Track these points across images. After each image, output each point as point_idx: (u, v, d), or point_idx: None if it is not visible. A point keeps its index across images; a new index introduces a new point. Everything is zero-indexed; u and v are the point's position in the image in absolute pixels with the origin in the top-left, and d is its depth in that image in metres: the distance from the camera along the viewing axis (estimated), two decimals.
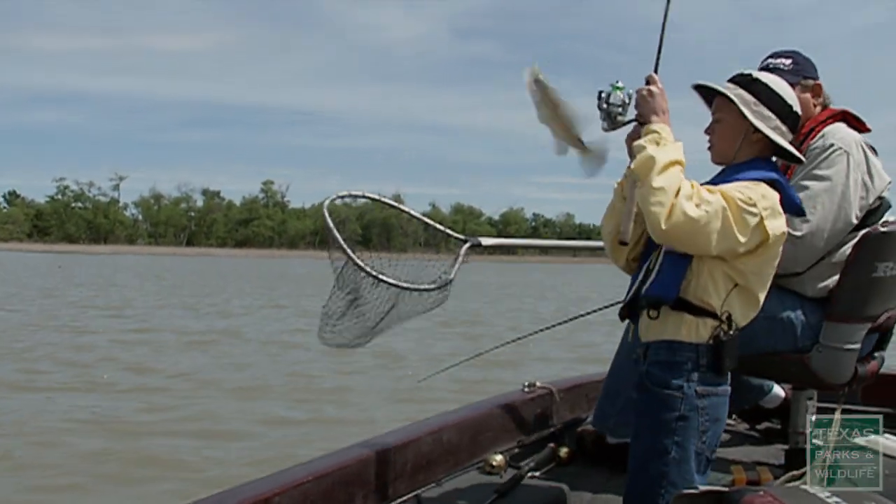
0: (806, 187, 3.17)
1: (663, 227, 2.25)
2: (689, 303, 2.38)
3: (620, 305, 2.59)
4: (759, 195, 2.33)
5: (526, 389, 4.12)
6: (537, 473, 3.47)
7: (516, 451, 3.73)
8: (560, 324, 4.55)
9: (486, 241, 3.58)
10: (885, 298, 3.35)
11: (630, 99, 2.45)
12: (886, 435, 3.73)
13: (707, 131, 2.60)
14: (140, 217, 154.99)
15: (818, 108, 3.47)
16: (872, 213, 3.31)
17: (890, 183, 3.37)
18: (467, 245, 3.44)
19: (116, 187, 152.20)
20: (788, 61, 3.46)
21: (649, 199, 2.26)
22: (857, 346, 3.28)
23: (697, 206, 2.25)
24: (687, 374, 2.39)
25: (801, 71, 3.44)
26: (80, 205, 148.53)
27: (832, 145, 3.26)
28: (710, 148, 2.59)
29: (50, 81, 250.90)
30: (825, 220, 3.17)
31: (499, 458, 3.43)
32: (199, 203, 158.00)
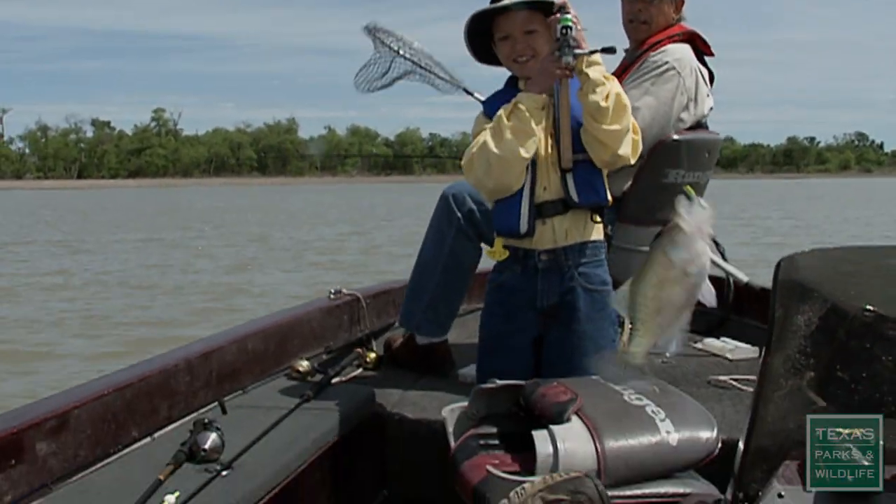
0: (632, 96, 3.14)
1: (632, 161, 2.53)
2: (601, 205, 2.60)
3: (518, 216, 2.56)
4: None
5: (332, 296, 4.05)
6: (345, 378, 3.49)
7: (324, 357, 3.73)
8: None
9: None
10: (674, 204, 3.49)
11: None
12: (723, 339, 4.07)
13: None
14: (27, 151, 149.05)
15: (675, 22, 3.55)
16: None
17: (711, 109, 3.54)
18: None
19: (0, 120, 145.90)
20: None
21: (618, 138, 2.44)
22: (646, 248, 3.09)
23: (637, 131, 2.53)
24: (606, 270, 2.66)
25: None
26: None
27: (667, 63, 3.36)
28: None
29: None
30: (643, 132, 3.09)
31: (305, 363, 3.41)
32: (89, 134, 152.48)
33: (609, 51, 2.49)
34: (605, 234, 2.70)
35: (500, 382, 2.25)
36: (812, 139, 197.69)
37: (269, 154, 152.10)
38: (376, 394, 3.26)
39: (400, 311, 3.76)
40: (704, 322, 4.56)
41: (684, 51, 3.45)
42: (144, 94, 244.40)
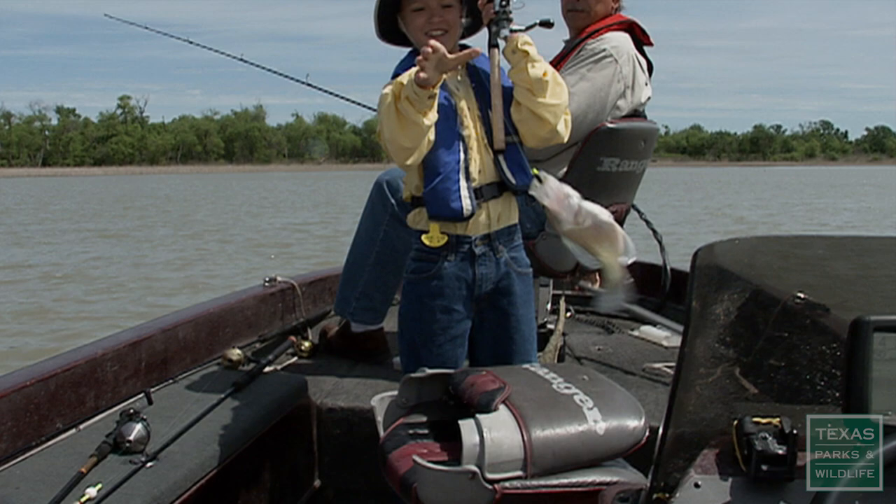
0: (568, 82, 3.07)
1: (565, 139, 2.51)
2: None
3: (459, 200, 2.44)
4: None
5: (267, 284, 4.03)
6: (278, 367, 3.47)
7: (257, 346, 3.69)
8: None
9: None
10: (610, 192, 3.38)
11: None
12: (659, 326, 4.20)
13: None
14: None
15: (614, 11, 3.54)
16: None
17: (649, 98, 3.52)
18: None
19: None
20: None
21: (557, 113, 2.43)
22: None
23: (568, 116, 2.51)
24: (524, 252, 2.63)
25: None
26: None
27: (604, 50, 3.34)
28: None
29: None
30: (575, 118, 3.08)
31: (237, 352, 3.37)
32: (54, 122, 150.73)
33: (546, 24, 2.48)
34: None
35: (429, 371, 2.22)
36: (778, 127, 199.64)
37: (237, 141, 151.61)
38: (309, 382, 3.24)
39: (336, 296, 3.71)
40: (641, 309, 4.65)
41: (622, 39, 3.43)
42: (110, 82, 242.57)
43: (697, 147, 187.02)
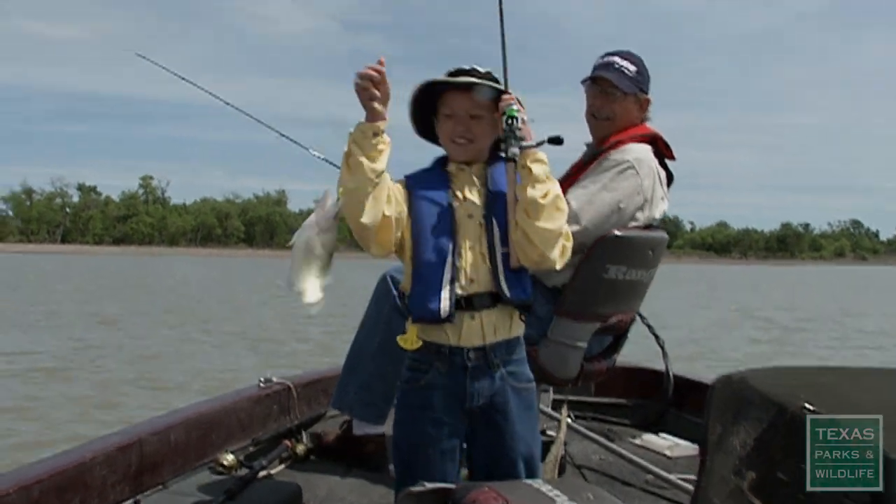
0: (590, 191, 3.28)
1: (558, 266, 2.43)
2: (528, 302, 2.47)
3: (441, 301, 2.39)
4: None
5: (262, 385, 3.99)
6: (272, 472, 3.43)
7: (251, 449, 3.62)
8: None
9: None
10: (615, 300, 3.39)
11: None
12: (662, 434, 4.23)
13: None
14: (10, 213, 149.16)
15: (639, 121, 3.54)
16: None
17: (660, 216, 3.49)
18: None
19: None
20: (634, 69, 3.50)
21: (549, 239, 2.37)
22: (584, 344, 3.31)
23: (569, 237, 2.45)
24: (528, 366, 2.54)
25: (641, 83, 3.51)
26: None
27: (627, 161, 3.33)
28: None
29: None
30: (595, 227, 3.23)
31: (230, 457, 3.33)
32: (75, 199, 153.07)
33: (556, 141, 2.44)
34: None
35: (428, 485, 2.15)
36: (807, 225, 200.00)
37: (257, 225, 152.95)
38: (304, 490, 3.18)
39: (335, 389, 3.65)
40: (642, 415, 4.67)
41: (644, 151, 3.42)
42: (133, 160, 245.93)
43: (723, 244, 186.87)
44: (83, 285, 34.69)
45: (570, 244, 2.46)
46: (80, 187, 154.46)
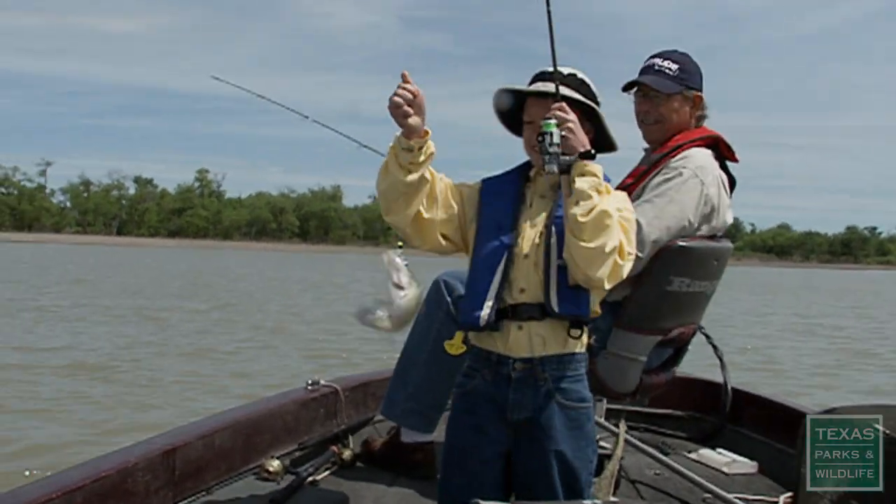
0: (657, 205, 3.15)
1: (607, 286, 2.31)
2: (582, 318, 2.41)
3: (480, 312, 2.40)
4: None
5: (309, 387, 3.92)
6: (318, 478, 3.38)
7: (297, 454, 3.58)
8: None
9: None
10: (678, 313, 3.31)
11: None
12: (719, 450, 4.13)
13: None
14: (68, 205, 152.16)
15: (694, 121, 3.44)
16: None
17: (727, 224, 3.38)
18: None
19: (43, 173, 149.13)
20: (676, 67, 3.40)
21: (591, 259, 2.25)
22: (644, 357, 3.24)
23: (629, 255, 2.33)
24: (586, 385, 2.46)
25: (686, 80, 3.40)
26: (2, 190, 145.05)
27: (688, 169, 3.21)
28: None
29: None
30: (661, 239, 3.12)
31: (276, 463, 3.30)
32: (132, 191, 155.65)
33: (587, 156, 2.31)
34: (589, 345, 2.50)
35: None
36: (873, 229, 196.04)
37: (312, 220, 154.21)
38: (349, 498, 3.16)
39: (384, 396, 3.62)
40: (698, 429, 4.58)
41: (707, 158, 3.32)
42: (189, 154, 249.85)
43: (785, 247, 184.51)
44: (134, 280, 34.71)
45: (626, 263, 2.35)
46: (137, 179, 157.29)
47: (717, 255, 3.34)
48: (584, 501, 2.18)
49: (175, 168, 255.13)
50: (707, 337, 4.01)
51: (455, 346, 2.53)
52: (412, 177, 2.34)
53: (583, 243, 2.24)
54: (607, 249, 2.25)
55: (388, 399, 3.56)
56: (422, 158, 2.34)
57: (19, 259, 52.82)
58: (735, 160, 3.43)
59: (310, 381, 3.96)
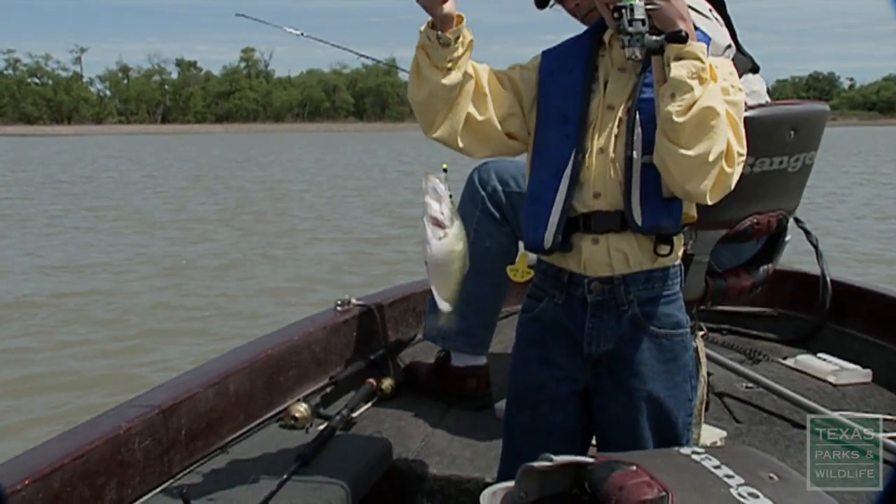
0: None
1: (710, 200, 1.98)
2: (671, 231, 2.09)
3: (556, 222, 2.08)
4: None
5: (339, 308, 3.57)
6: (354, 416, 3.10)
7: (327, 390, 3.25)
8: None
9: None
10: (743, 199, 2.63)
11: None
12: (820, 355, 3.71)
13: None
14: (108, 93, 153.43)
15: None
16: None
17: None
18: None
19: (78, 60, 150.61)
20: None
21: (690, 168, 1.91)
22: (705, 257, 2.74)
23: (739, 157, 1.99)
24: (682, 307, 2.17)
25: None
26: (36, 80, 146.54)
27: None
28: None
29: None
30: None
31: (303, 407, 2.99)
32: (174, 76, 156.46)
33: (677, 38, 1.88)
34: (686, 252, 2.19)
35: (557, 459, 1.77)
36: None
37: (367, 97, 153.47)
38: (393, 442, 2.86)
39: (425, 319, 3.47)
40: (792, 329, 4.17)
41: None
42: (233, 32, 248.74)
43: (891, 102, 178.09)
44: (172, 175, 33.68)
45: (735, 169, 1.98)
46: (179, 63, 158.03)
47: (794, 122, 2.69)
48: (682, 449, 1.84)
49: (219, 49, 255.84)
50: (798, 221, 3.45)
51: (519, 271, 2.29)
52: (453, 76, 2.00)
53: (680, 150, 1.88)
54: (711, 157, 1.89)
55: (430, 317, 3.38)
56: (461, 51, 1.99)
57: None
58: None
59: (339, 301, 3.62)
